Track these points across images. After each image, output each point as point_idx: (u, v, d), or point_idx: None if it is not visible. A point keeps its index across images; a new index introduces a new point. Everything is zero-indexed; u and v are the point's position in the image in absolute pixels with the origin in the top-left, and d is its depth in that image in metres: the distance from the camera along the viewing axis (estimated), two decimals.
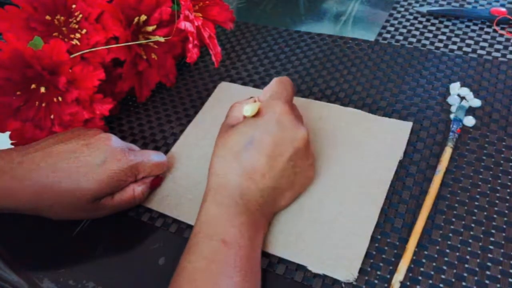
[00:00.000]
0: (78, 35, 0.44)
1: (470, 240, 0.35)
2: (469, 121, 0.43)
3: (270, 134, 0.35)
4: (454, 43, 0.53)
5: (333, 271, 0.34)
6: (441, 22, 0.56)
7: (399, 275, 0.33)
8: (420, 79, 0.49)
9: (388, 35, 0.55)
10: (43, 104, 0.43)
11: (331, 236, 0.36)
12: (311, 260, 0.35)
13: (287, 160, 0.35)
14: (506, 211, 0.36)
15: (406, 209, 0.38)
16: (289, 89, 0.39)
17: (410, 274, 0.34)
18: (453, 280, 0.33)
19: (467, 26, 0.55)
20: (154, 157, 0.41)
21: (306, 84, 0.51)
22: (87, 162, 0.37)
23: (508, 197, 0.37)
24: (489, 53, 0.50)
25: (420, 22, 0.57)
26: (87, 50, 0.43)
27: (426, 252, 0.35)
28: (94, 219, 0.42)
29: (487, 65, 0.49)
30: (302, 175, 0.37)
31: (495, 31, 0.53)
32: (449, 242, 0.35)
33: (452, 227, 0.36)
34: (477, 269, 0.33)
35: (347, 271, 0.34)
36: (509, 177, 0.39)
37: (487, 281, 0.33)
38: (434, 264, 0.34)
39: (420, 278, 0.34)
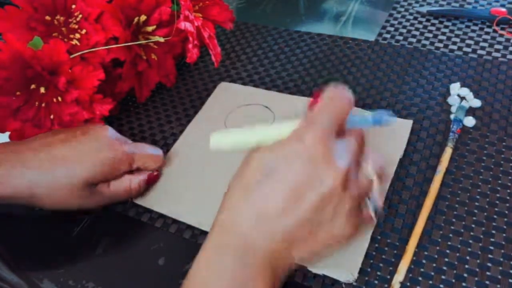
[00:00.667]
0: (78, 35, 0.44)
1: (470, 241, 0.35)
2: (469, 121, 0.43)
3: (292, 169, 0.28)
4: (454, 43, 0.53)
5: (333, 271, 0.34)
6: (441, 22, 0.56)
7: (399, 275, 0.33)
8: (420, 79, 0.49)
9: (388, 35, 0.55)
10: (43, 104, 0.43)
11: None
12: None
13: (309, 207, 0.28)
14: (506, 212, 0.36)
15: (406, 210, 0.38)
16: (336, 110, 0.30)
17: (410, 275, 0.34)
18: (453, 280, 0.33)
19: (467, 26, 0.55)
20: (149, 149, 0.41)
21: (306, 84, 0.51)
22: (83, 149, 0.38)
23: (508, 198, 0.37)
24: (489, 53, 0.50)
25: (420, 22, 0.57)
26: (87, 50, 0.43)
27: (426, 253, 0.35)
28: (94, 219, 0.42)
29: (487, 65, 0.49)
30: (332, 226, 0.29)
31: (495, 31, 0.53)
32: (449, 243, 0.35)
33: (452, 227, 0.36)
34: (477, 269, 0.33)
35: (347, 272, 0.34)
36: (509, 177, 0.39)
37: (487, 282, 0.33)
38: (434, 264, 0.34)
39: (420, 278, 0.34)
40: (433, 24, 0.56)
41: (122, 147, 0.39)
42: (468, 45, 0.52)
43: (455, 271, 0.34)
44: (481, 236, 0.35)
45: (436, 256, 0.35)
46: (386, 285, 0.34)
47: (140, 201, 0.42)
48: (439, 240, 0.35)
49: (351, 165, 0.29)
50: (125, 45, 0.45)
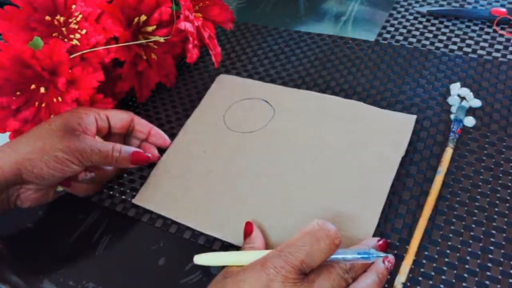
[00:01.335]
0: (78, 36, 0.44)
1: (471, 241, 0.35)
2: (470, 121, 0.43)
3: None
4: (454, 43, 0.53)
5: None
6: (441, 22, 0.56)
7: (401, 276, 0.33)
8: (420, 79, 0.49)
9: (388, 35, 0.55)
10: (43, 105, 0.43)
11: None
12: None
13: None
14: (507, 212, 0.36)
15: (407, 210, 0.38)
16: (316, 251, 0.30)
17: (411, 275, 0.34)
18: (454, 280, 0.33)
19: (467, 26, 0.55)
20: (100, 145, 0.40)
21: (306, 85, 0.51)
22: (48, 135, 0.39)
23: (508, 198, 0.37)
24: (489, 53, 0.50)
25: (420, 22, 0.57)
26: (87, 51, 0.43)
27: (426, 253, 0.35)
28: (94, 219, 0.42)
29: (487, 65, 0.49)
30: None
31: (495, 31, 0.53)
32: (449, 243, 0.35)
33: (452, 227, 0.36)
34: (477, 269, 0.33)
35: None
36: (510, 177, 0.39)
37: (487, 282, 0.33)
38: (434, 264, 0.34)
39: (420, 279, 0.34)
40: (433, 24, 0.56)
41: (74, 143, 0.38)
42: (468, 45, 0.52)
43: (455, 271, 0.34)
44: (481, 236, 0.35)
45: (436, 256, 0.35)
46: (386, 285, 0.34)
47: (137, 201, 0.42)
48: (439, 240, 0.35)
49: None
50: (125, 45, 0.45)
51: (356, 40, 0.55)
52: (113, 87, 0.48)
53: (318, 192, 0.39)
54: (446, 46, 0.52)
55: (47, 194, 0.41)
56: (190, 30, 0.46)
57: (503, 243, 0.35)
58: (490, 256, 0.34)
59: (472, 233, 0.35)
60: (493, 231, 0.35)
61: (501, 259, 0.34)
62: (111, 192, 0.44)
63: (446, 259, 0.34)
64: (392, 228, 0.37)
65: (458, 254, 0.34)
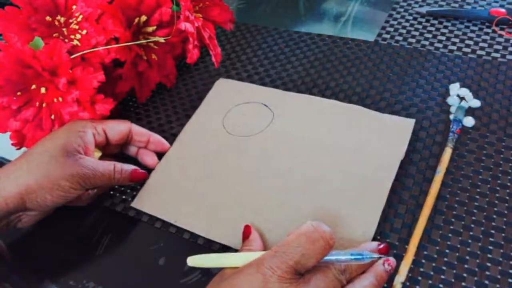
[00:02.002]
0: (78, 36, 0.44)
1: (470, 241, 0.35)
2: (469, 121, 0.43)
3: None
4: (454, 43, 0.53)
5: None
6: (440, 22, 0.56)
7: (401, 276, 0.33)
8: (420, 80, 0.49)
9: (388, 36, 0.56)
10: (44, 105, 0.43)
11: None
12: None
13: None
14: (506, 212, 0.36)
15: (406, 210, 0.38)
16: (312, 253, 0.30)
17: (410, 274, 0.34)
18: (453, 280, 0.33)
19: (467, 27, 0.55)
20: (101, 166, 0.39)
21: (306, 85, 0.51)
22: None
23: (507, 198, 0.37)
24: (488, 54, 0.51)
25: (420, 23, 0.57)
26: (87, 51, 0.43)
27: (425, 253, 0.35)
28: (94, 219, 0.42)
29: (487, 65, 0.49)
30: None
31: (494, 31, 0.53)
32: (448, 243, 0.35)
33: (451, 227, 0.36)
34: (476, 269, 0.34)
35: None
36: (509, 177, 0.39)
37: (486, 281, 0.33)
38: (433, 264, 0.34)
39: (419, 278, 0.34)
40: (432, 25, 0.56)
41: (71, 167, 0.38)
42: (468, 46, 0.52)
43: (454, 271, 0.34)
44: (481, 236, 0.35)
45: (435, 256, 0.35)
46: (386, 285, 0.34)
47: (136, 205, 0.42)
48: (439, 240, 0.36)
49: None
50: (126, 46, 0.45)
51: (355, 41, 0.56)
52: (113, 87, 0.48)
53: (317, 195, 0.39)
54: (445, 46, 0.53)
55: (47, 212, 0.41)
56: (190, 30, 0.46)
57: (502, 242, 0.35)
58: (489, 255, 0.34)
59: (471, 233, 0.36)
60: (492, 231, 0.35)
61: (500, 259, 0.34)
62: (111, 192, 0.44)
63: (446, 259, 0.34)
64: (391, 227, 0.37)
65: (457, 254, 0.35)
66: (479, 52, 0.51)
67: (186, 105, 0.52)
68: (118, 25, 0.44)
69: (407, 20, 0.57)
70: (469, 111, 0.45)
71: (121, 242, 0.40)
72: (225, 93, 0.51)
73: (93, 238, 0.41)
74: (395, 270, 0.34)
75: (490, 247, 0.35)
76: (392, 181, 0.39)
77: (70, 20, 0.45)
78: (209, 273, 0.37)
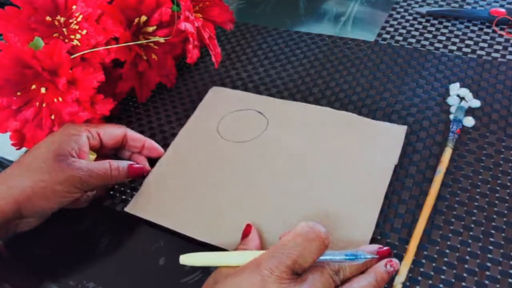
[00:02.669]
0: (78, 36, 0.44)
1: (470, 241, 0.35)
2: (469, 121, 0.43)
3: None
4: (454, 43, 0.53)
5: None
6: (440, 22, 0.56)
7: (401, 276, 0.33)
8: (420, 80, 0.49)
9: (388, 36, 0.56)
10: (44, 105, 0.43)
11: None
12: None
13: None
14: (506, 212, 0.36)
15: (406, 210, 0.38)
16: (308, 252, 0.30)
17: (410, 275, 0.34)
18: (453, 280, 0.33)
19: (467, 27, 0.55)
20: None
21: (306, 85, 0.51)
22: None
23: (507, 198, 0.37)
24: (488, 54, 0.51)
25: (420, 23, 0.57)
26: (87, 51, 0.43)
27: (425, 253, 0.35)
28: (94, 219, 0.42)
29: (487, 65, 0.49)
30: None
31: (494, 31, 0.53)
32: (448, 243, 0.35)
33: (451, 227, 0.36)
34: (476, 269, 0.34)
35: None
36: (509, 177, 0.39)
37: (486, 282, 0.33)
38: (433, 264, 0.34)
39: (419, 278, 0.34)
40: (432, 25, 0.56)
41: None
42: (468, 46, 0.52)
43: (454, 271, 0.34)
44: (481, 236, 0.35)
45: (435, 256, 0.35)
46: (386, 285, 0.34)
47: (130, 210, 0.42)
48: (439, 240, 0.36)
49: None
50: (126, 46, 0.45)
51: (355, 41, 0.56)
52: (113, 88, 0.48)
53: (312, 200, 0.39)
54: (445, 46, 0.53)
55: (44, 217, 0.40)
56: (190, 30, 0.46)
57: (502, 242, 0.35)
58: (489, 255, 0.34)
59: (471, 233, 0.36)
60: (492, 231, 0.35)
61: (500, 259, 0.34)
62: (111, 192, 0.44)
63: (446, 259, 0.34)
64: (391, 228, 0.37)
65: (457, 254, 0.35)
66: (479, 52, 0.51)
67: (186, 105, 0.52)
68: (118, 25, 0.44)
69: (407, 20, 0.57)
70: (469, 111, 0.45)
71: (121, 242, 0.40)
72: (219, 100, 0.51)
73: (93, 238, 0.41)
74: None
75: (490, 247, 0.35)
76: (387, 184, 0.39)
77: (70, 20, 0.45)
78: (209, 273, 0.37)
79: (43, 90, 0.43)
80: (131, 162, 0.42)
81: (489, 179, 0.39)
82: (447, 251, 0.35)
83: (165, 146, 0.47)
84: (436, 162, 0.41)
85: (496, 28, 0.54)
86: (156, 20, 0.48)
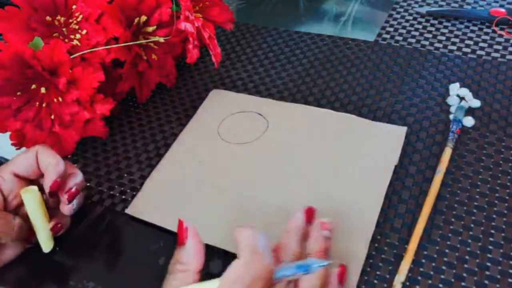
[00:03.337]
0: (78, 36, 0.44)
1: (470, 240, 0.35)
2: (469, 121, 0.43)
3: None
4: (454, 43, 0.53)
5: None
6: (440, 22, 0.56)
7: (401, 276, 0.33)
8: (420, 80, 0.49)
9: (388, 36, 0.56)
10: (44, 105, 0.43)
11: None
12: (310, 270, 0.35)
13: None
14: (506, 211, 0.36)
15: (406, 209, 0.38)
16: (256, 275, 0.28)
17: (410, 274, 0.34)
18: (453, 280, 0.33)
19: (467, 27, 0.55)
20: None
21: (306, 85, 0.51)
22: None
23: (507, 197, 0.37)
24: (488, 54, 0.51)
25: (420, 23, 0.57)
26: (87, 51, 0.43)
27: (425, 252, 0.35)
28: (94, 219, 0.42)
29: (487, 65, 0.49)
30: None
31: (494, 31, 0.53)
32: (448, 242, 0.35)
33: (451, 227, 0.36)
34: (476, 269, 0.34)
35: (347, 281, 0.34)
36: (509, 177, 0.39)
37: (486, 281, 0.33)
38: (433, 264, 0.34)
39: (419, 278, 0.34)
40: (432, 25, 0.56)
41: None
42: (468, 46, 0.52)
43: (454, 271, 0.34)
44: (480, 236, 0.35)
45: (435, 256, 0.35)
46: (385, 285, 0.34)
47: (131, 211, 0.42)
48: (438, 240, 0.36)
49: None
50: (126, 46, 0.45)
51: (355, 41, 0.56)
52: (113, 87, 0.48)
53: (312, 200, 0.39)
54: (445, 46, 0.53)
55: None
56: (190, 30, 0.46)
57: (502, 242, 0.35)
58: (489, 255, 0.34)
59: (471, 233, 0.36)
60: (492, 231, 0.35)
61: (500, 259, 0.34)
62: (111, 192, 0.44)
63: (445, 259, 0.34)
64: (391, 227, 0.37)
65: (457, 254, 0.35)
66: (479, 52, 0.51)
67: (186, 105, 0.52)
68: (118, 25, 0.44)
69: (407, 20, 0.57)
70: (469, 111, 0.45)
71: (121, 242, 0.40)
72: (220, 103, 0.51)
73: (92, 238, 0.41)
74: (395, 270, 0.34)
75: (490, 247, 0.35)
76: (387, 185, 0.39)
77: (70, 20, 0.45)
78: (209, 273, 0.37)
79: (43, 90, 0.43)
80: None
81: (489, 179, 0.39)
82: (447, 251, 0.35)
83: (165, 146, 0.47)
84: (436, 162, 0.41)
85: (496, 28, 0.54)
86: (156, 20, 0.48)
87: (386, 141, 0.43)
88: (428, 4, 0.59)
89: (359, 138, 0.43)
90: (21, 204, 0.38)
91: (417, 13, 0.58)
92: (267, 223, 0.38)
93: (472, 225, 0.36)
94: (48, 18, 0.44)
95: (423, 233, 0.36)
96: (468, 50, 0.52)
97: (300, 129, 0.46)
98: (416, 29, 0.56)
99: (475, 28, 0.54)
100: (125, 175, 0.45)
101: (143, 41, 0.48)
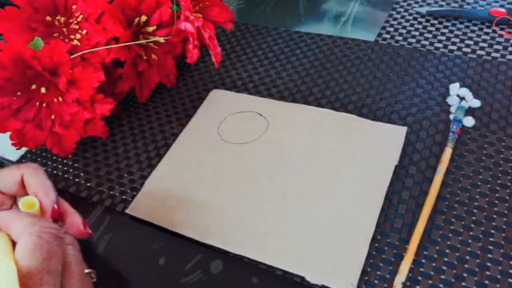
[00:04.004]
0: (78, 36, 0.44)
1: (470, 241, 0.35)
2: (469, 121, 0.43)
3: None
4: (454, 43, 0.53)
5: (331, 281, 0.34)
6: (440, 22, 0.56)
7: (401, 276, 0.33)
8: (420, 80, 0.49)
9: (388, 36, 0.56)
10: (44, 105, 0.43)
11: (329, 246, 0.36)
12: (309, 270, 0.35)
13: None
14: (506, 212, 0.36)
15: (406, 209, 0.38)
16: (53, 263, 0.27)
17: (410, 274, 0.34)
18: (453, 280, 0.33)
19: (467, 27, 0.55)
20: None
21: (306, 85, 0.51)
22: None
23: (507, 197, 0.37)
24: (488, 54, 0.51)
25: (420, 23, 0.57)
26: (88, 51, 0.43)
27: (425, 253, 0.35)
28: (94, 219, 0.42)
29: (487, 65, 0.49)
30: None
31: (494, 31, 0.53)
32: (448, 243, 0.35)
33: (451, 227, 0.36)
34: (476, 269, 0.34)
35: (346, 281, 0.34)
36: (509, 177, 0.39)
37: (486, 282, 0.33)
38: (433, 264, 0.34)
39: (419, 278, 0.34)
40: (432, 25, 0.56)
41: None
42: (468, 46, 0.52)
43: (454, 271, 0.34)
44: (481, 236, 0.35)
45: (435, 256, 0.35)
46: (386, 285, 0.34)
47: (131, 211, 0.42)
48: (439, 240, 0.36)
49: None
50: (126, 46, 0.45)
51: (355, 41, 0.56)
52: (113, 87, 0.48)
53: (312, 200, 0.39)
54: (445, 46, 0.53)
55: None
56: (190, 30, 0.46)
57: (502, 242, 0.35)
58: (489, 255, 0.34)
59: (471, 233, 0.36)
60: (493, 231, 0.35)
61: (501, 259, 0.34)
62: (111, 192, 0.44)
63: (446, 259, 0.34)
64: (391, 227, 0.37)
65: (457, 254, 0.35)
66: (479, 52, 0.51)
67: (186, 105, 0.52)
68: (118, 25, 0.44)
69: (407, 20, 0.57)
70: (469, 111, 0.45)
71: (121, 242, 0.40)
72: (220, 103, 0.51)
73: (93, 237, 0.41)
74: (396, 270, 0.34)
75: (490, 247, 0.35)
76: (387, 185, 0.39)
77: (70, 20, 0.45)
78: (209, 273, 0.37)
79: (43, 90, 0.43)
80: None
81: (489, 179, 0.39)
82: (447, 251, 0.35)
83: (165, 146, 0.47)
84: (436, 162, 0.41)
85: (496, 28, 0.54)
86: (156, 20, 0.48)
87: (386, 141, 0.43)
88: (428, 4, 0.59)
89: (359, 138, 0.43)
90: None
91: (417, 13, 0.58)
92: (269, 220, 0.39)
93: (472, 225, 0.36)
94: (48, 18, 0.44)
95: (423, 233, 0.36)
96: (468, 50, 0.52)
97: (300, 129, 0.46)
98: (416, 29, 0.56)
99: (475, 28, 0.54)
100: (125, 175, 0.45)
101: (143, 41, 0.48)
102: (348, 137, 0.44)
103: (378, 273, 0.34)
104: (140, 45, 0.48)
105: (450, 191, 0.38)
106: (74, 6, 0.45)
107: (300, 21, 0.62)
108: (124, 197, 0.43)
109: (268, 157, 0.44)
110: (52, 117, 0.44)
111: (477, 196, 0.38)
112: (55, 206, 0.33)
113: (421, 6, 0.59)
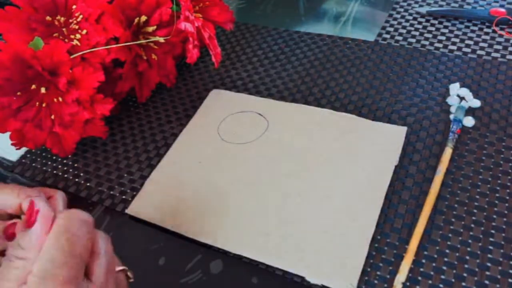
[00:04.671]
0: (78, 36, 0.44)
1: (470, 241, 0.35)
2: (469, 121, 0.43)
3: None
4: (454, 43, 0.53)
5: (331, 281, 0.34)
6: (440, 22, 0.56)
7: (401, 276, 0.33)
8: (420, 80, 0.49)
9: (388, 36, 0.56)
10: (44, 105, 0.43)
11: (329, 246, 0.36)
12: (309, 270, 0.35)
13: None
14: (506, 212, 0.36)
15: (406, 209, 0.38)
16: (77, 249, 0.25)
17: (410, 275, 0.34)
18: (453, 280, 0.33)
19: (467, 27, 0.55)
20: None
21: (306, 85, 0.51)
22: None
23: (507, 198, 0.37)
24: (488, 54, 0.51)
25: (420, 23, 0.57)
26: (88, 51, 0.43)
27: (425, 253, 0.35)
28: (94, 218, 0.42)
29: (487, 65, 0.49)
30: None
31: (494, 31, 0.53)
32: (448, 243, 0.35)
33: (451, 227, 0.36)
34: (476, 269, 0.34)
35: (346, 281, 0.34)
36: (509, 177, 0.39)
37: (486, 282, 0.33)
38: (434, 264, 0.34)
39: (419, 278, 0.34)
40: (432, 25, 0.56)
41: None
42: (468, 46, 0.52)
43: (454, 271, 0.34)
44: (481, 236, 0.35)
45: (435, 256, 0.35)
46: (386, 285, 0.34)
47: (131, 211, 0.42)
48: (439, 240, 0.36)
49: None
50: (126, 46, 0.45)
51: (355, 41, 0.56)
52: (113, 87, 0.48)
53: (313, 200, 0.39)
54: (445, 46, 0.53)
55: None
56: (190, 30, 0.46)
57: (502, 243, 0.35)
58: (489, 256, 0.34)
59: (471, 233, 0.36)
60: (493, 231, 0.35)
61: (501, 259, 0.34)
62: (111, 192, 0.44)
63: (446, 259, 0.34)
64: (391, 227, 0.37)
65: (457, 254, 0.35)
66: (479, 52, 0.51)
67: (186, 105, 0.52)
68: (118, 25, 0.44)
69: (407, 20, 0.57)
70: (469, 111, 0.45)
71: (121, 242, 0.40)
72: (220, 103, 0.51)
73: None
74: (396, 270, 0.34)
75: (490, 247, 0.35)
76: (387, 186, 0.39)
77: (70, 20, 0.45)
78: (209, 273, 0.37)
79: (43, 90, 0.43)
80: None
81: (489, 179, 0.39)
82: (447, 251, 0.35)
83: (165, 146, 0.47)
84: (436, 162, 0.41)
85: (496, 28, 0.54)
86: (156, 20, 0.48)
87: (386, 141, 0.43)
88: (428, 4, 0.59)
89: (359, 138, 0.43)
90: None
91: (417, 13, 0.58)
92: (269, 220, 0.39)
93: (472, 225, 0.36)
94: (48, 18, 0.44)
95: (423, 233, 0.36)
96: (468, 50, 0.52)
97: (300, 129, 0.46)
98: (416, 29, 0.56)
99: (475, 28, 0.54)
100: (125, 175, 0.45)
101: (143, 41, 0.48)
102: (348, 137, 0.44)
103: (378, 273, 0.34)
104: (140, 45, 0.48)
105: (450, 191, 0.38)
106: (74, 6, 0.45)
107: (300, 21, 0.62)
108: (124, 197, 0.43)
109: (268, 157, 0.44)
110: (52, 117, 0.43)
111: (477, 196, 0.38)
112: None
113: (421, 6, 0.59)
